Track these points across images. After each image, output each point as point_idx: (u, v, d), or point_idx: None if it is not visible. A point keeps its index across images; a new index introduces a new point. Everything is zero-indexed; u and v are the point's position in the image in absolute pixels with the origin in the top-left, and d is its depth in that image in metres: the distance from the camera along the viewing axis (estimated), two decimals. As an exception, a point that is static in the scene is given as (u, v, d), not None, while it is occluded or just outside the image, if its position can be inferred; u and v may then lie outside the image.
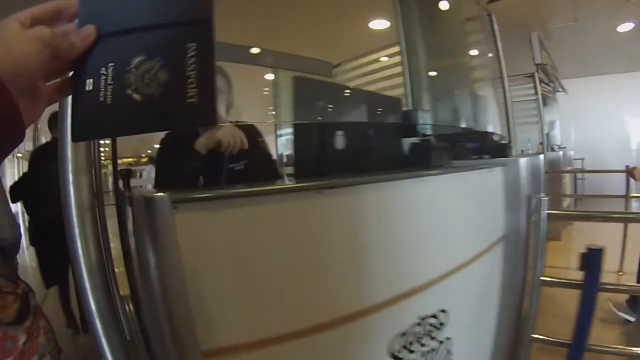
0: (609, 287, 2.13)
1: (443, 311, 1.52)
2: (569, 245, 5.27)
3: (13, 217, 2.08)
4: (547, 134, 7.19)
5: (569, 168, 7.34)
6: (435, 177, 1.51)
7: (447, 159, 1.84)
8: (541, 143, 6.65)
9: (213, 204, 0.97)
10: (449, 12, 3.21)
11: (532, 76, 6.78)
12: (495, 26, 4.02)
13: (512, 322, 2.26)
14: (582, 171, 7.92)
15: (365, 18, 3.27)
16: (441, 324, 1.52)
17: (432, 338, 1.49)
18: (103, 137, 1.45)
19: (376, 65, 3.17)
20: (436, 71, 2.81)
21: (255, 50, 2.88)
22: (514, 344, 2.23)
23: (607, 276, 3.95)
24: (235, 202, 0.99)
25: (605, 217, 2.25)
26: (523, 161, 2.04)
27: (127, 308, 1.30)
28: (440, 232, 1.54)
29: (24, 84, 0.49)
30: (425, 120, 1.89)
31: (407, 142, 1.88)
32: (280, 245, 1.04)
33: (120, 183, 1.45)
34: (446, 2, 3.21)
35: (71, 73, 0.56)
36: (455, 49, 3.24)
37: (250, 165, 1.67)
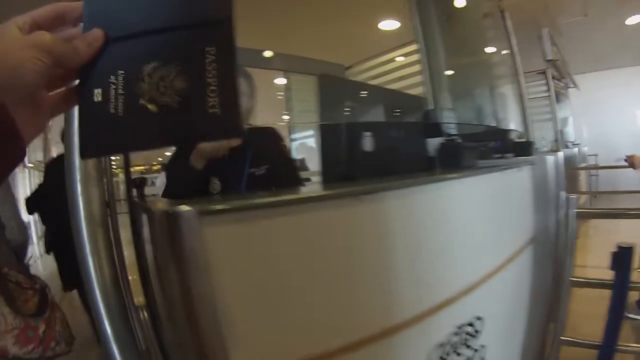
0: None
1: (479, 318, 1.46)
2: (587, 243, 5.19)
3: (21, 221, 2.32)
4: (561, 131, 7.09)
5: (583, 165, 7.25)
6: (472, 178, 1.44)
7: (476, 159, 1.78)
8: (556, 140, 6.56)
9: (244, 215, 0.86)
10: (465, 9, 3.16)
11: (543, 73, 6.70)
12: (509, 22, 3.96)
13: (541, 325, 2.20)
14: (599, 167, 7.82)
15: (376, 18, 3.24)
16: (477, 331, 1.46)
17: (468, 347, 1.43)
18: (115, 153, 1.40)
19: (390, 66, 3.13)
20: (455, 69, 2.75)
21: (267, 54, 2.85)
22: (543, 347, 2.18)
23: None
24: (269, 212, 0.88)
25: (636, 215, 2.18)
26: (551, 159, 1.98)
27: (142, 318, 1.25)
28: (477, 236, 1.48)
29: (22, 94, 0.46)
30: (450, 119, 1.83)
31: (433, 142, 1.83)
32: (317, 258, 0.96)
33: (133, 192, 1.40)
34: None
35: (77, 82, 0.51)
36: (472, 46, 3.19)
37: (272, 170, 1.59)
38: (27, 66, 0.43)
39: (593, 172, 7.82)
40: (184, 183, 1.52)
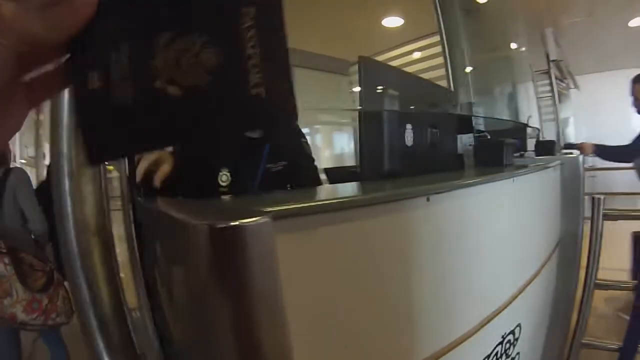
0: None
1: (519, 325, 1.39)
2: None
3: (41, 213, 2.61)
4: (562, 132, 7.08)
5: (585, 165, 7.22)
6: (523, 177, 1.36)
7: (513, 157, 1.71)
8: (557, 141, 6.53)
9: (311, 220, 0.67)
10: (484, 5, 3.11)
11: (546, 73, 6.67)
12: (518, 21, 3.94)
13: (563, 328, 2.16)
14: (598, 169, 7.81)
15: (386, 13, 3.17)
16: (516, 339, 1.39)
17: (508, 356, 1.36)
18: (131, 154, 1.09)
19: (404, 60, 3.07)
20: (475, 65, 2.69)
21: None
22: (562, 351, 2.14)
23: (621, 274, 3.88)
24: (338, 216, 0.71)
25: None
26: (581, 159, 1.92)
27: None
28: (523, 237, 1.41)
29: None
30: (484, 114, 1.75)
31: (465, 138, 1.75)
32: (386, 267, 0.82)
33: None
34: None
35: (65, 59, 0.36)
36: (491, 42, 3.13)
37: (289, 168, 1.46)
38: None
39: (591, 173, 7.82)
40: (187, 173, 1.29)
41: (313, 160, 1.66)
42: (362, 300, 0.77)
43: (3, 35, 0.30)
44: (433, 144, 1.45)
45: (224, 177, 1.38)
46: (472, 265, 1.07)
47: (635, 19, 6.51)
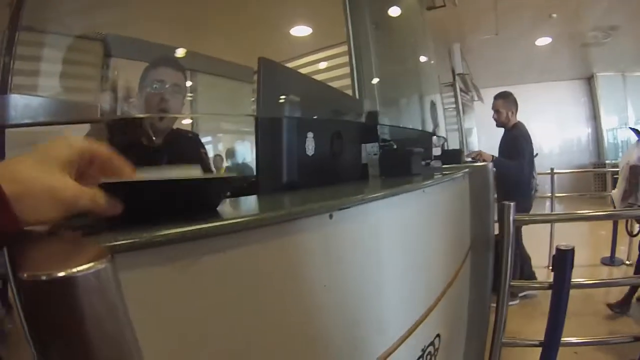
0: (581, 284, 2.09)
1: (438, 336, 1.32)
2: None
3: None
4: (466, 140, 7.39)
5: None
6: (432, 187, 1.28)
7: (421, 166, 1.65)
8: (461, 149, 6.79)
9: (185, 249, 0.53)
10: (394, 18, 3.14)
11: (451, 85, 6.97)
12: (428, 34, 4.03)
13: (481, 330, 2.15)
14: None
15: (293, 22, 3.11)
16: (437, 349, 1.32)
17: (428, 367, 1.28)
18: None
19: (312, 68, 3.01)
20: (386, 76, 2.68)
21: (179, 52, 2.60)
22: (483, 351, 2.13)
23: (539, 271, 4.08)
24: (222, 241, 0.57)
25: (572, 218, 2.20)
26: (490, 166, 1.93)
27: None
28: (437, 248, 1.34)
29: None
30: (391, 123, 1.69)
31: (370, 147, 1.67)
32: (284, 297, 0.68)
33: None
34: (397, 8, 3.14)
35: None
36: (399, 53, 3.15)
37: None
38: (41, 210, 0.43)
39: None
40: None
41: (212, 172, 1.55)
42: (258, 334, 0.63)
43: (58, 208, 0.45)
44: (336, 153, 1.36)
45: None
46: (385, 282, 0.97)
47: (541, 38, 7.00)
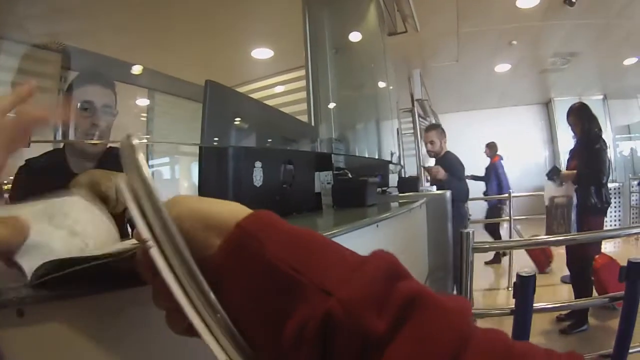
0: (543, 308, 2.06)
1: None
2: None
3: None
4: (423, 166, 7.43)
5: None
6: (387, 220, 1.22)
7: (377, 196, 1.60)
8: (417, 175, 6.83)
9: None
10: (354, 44, 3.14)
11: (410, 111, 7.03)
12: (389, 61, 4.06)
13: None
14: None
15: (252, 45, 3.07)
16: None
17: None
18: None
19: (268, 92, 2.97)
20: (343, 101, 2.65)
21: (135, 69, 2.51)
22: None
23: (499, 293, 4.06)
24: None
25: (530, 244, 2.19)
26: (447, 194, 1.90)
27: None
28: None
29: None
30: (347, 151, 1.63)
31: (323, 176, 1.62)
32: None
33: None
34: (357, 33, 3.15)
35: None
36: (361, 81, 3.14)
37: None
38: None
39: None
40: None
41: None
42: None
43: None
44: (287, 183, 1.29)
45: None
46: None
47: (501, 64, 7.17)
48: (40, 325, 0.39)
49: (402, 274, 0.36)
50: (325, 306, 0.31)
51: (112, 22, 2.06)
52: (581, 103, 3.67)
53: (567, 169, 3.61)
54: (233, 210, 0.38)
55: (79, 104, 1.29)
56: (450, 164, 3.78)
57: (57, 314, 0.39)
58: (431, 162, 4.15)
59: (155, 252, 0.34)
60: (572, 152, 3.66)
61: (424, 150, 7.92)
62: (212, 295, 0.34)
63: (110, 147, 1.34)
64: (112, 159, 1.31)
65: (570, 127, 3.56)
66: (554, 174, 3.58)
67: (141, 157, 0.35)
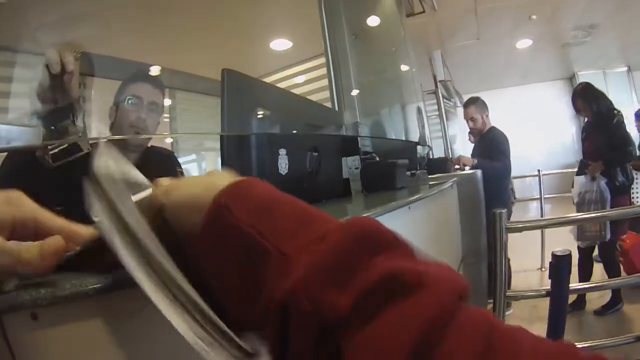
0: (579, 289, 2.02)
1: None
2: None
3: None
4: (451, 147, 7.33)
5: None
6: (419, 202, 1.19)
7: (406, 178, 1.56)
8: (446, 157, 6.74)
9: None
10: (373, 29, 3.09)
11: (433, 92, 6.92)
12: (409, 43, 3.99)
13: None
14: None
15: (271, 36, 3.05)
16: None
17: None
18: None
19: (290, 82, 2.95)
20: (366, 86, 2.61)
21: (154, 69, 2.53)
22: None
23: (531, 275, 4.00)
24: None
25: (563, 222, 2.12)
26: (479, 174, 1.84)
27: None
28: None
29: None
30: (372, 134, 1.60)
31: (350, 161, 1.58)
32: None
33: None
34: (375, 17, 3.09)
35: None
36: (382, 65, 3.09)
37: None
38: None
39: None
40: None
41: None
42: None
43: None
44: (313, 170, 1.26)
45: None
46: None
47: (522, 40, 7.00)
48: (55, 328, 0.38)
49: (383, 247, 0.32)
50: (285, 287, 0.29)
51: (127, 27, 2.06)
52: (583, 84, 3.46)
53: (582, 150, 3.47)
54: (213, 187, 0.38)
55: (127, 98, 1.31)
56: (491, 139, 3.42)
57: (72, 315, 0.38)
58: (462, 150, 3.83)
59: (102, 226, 0.36)
60: (584, 130, 3.48)
61: (450, 130, 7.84)
62: (168, 266, 0.35)
63: (152, 146, 1.36)
64: (153, 157, 1.33)
65: (578, 113, 3.41)
66: (584, 168, 3.34)
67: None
